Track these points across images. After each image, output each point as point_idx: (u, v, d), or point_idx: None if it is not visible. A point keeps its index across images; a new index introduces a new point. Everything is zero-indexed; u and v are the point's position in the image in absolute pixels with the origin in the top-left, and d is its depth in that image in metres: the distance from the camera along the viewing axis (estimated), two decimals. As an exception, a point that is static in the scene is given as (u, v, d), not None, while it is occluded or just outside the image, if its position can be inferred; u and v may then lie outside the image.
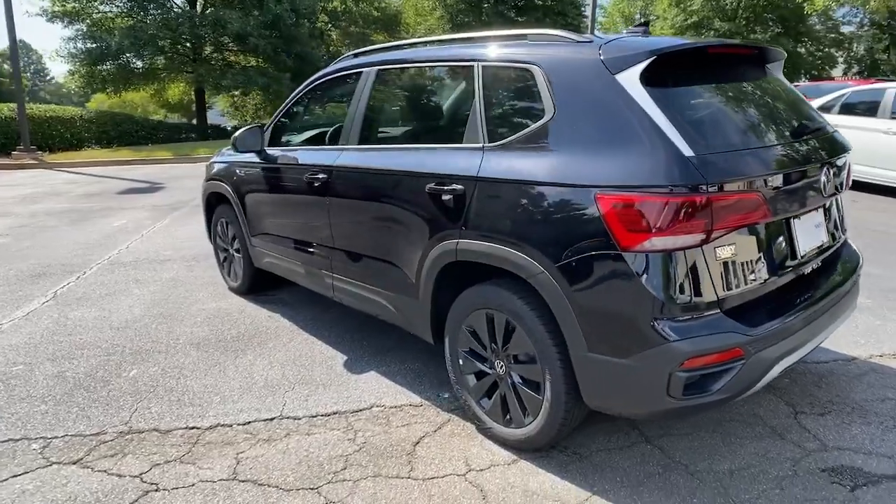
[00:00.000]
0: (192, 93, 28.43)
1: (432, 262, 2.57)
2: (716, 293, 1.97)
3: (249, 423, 2.75)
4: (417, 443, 2.56)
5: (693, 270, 1.93)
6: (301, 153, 3.62)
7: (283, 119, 3.87)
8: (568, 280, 2.04)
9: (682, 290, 1.92)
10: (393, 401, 2.93)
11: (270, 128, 3.85)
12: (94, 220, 7.53)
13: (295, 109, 3.87)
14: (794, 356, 2.19)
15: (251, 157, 3.92)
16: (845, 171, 2.57)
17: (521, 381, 2.37)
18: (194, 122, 29.28)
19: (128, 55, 23.41)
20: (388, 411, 2.84)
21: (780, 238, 2.20)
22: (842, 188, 2.54)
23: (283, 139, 3.88)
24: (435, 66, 3.03)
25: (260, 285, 4.50)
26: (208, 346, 3.61)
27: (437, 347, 2.83)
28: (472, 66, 2.56)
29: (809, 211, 2.35)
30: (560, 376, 2.17)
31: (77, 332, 3.83)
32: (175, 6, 24.47)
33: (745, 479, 2.25)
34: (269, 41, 23.53)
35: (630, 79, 2.04)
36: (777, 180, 2.11)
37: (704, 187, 1.87)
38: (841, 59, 34.96)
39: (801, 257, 2.29)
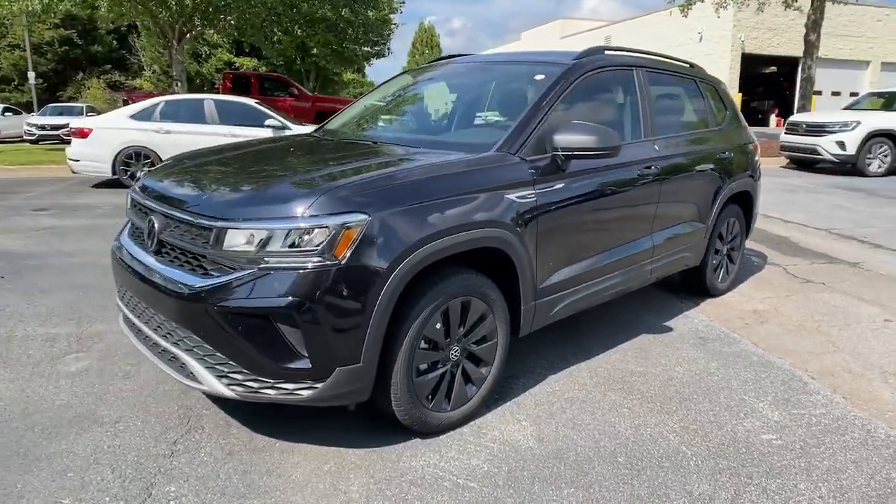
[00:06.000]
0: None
1: (722, 200, 4.21)
2: None
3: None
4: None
5: None
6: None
7: (543, 123, 2.92)
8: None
9: None
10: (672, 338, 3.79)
11: (530, 136, 2.85)
12: None
13: (559, 108, 3.04)
14: None
15: (552, 173, 2.85)
16: None
17: (727, 251, 4.60)
18: None
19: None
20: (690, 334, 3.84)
21: None
22: None
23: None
24: (675, 76, 4.20)
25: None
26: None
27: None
28: (695, 80, 4.35)
29: None
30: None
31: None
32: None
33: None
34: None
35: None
36: None
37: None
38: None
39: None
